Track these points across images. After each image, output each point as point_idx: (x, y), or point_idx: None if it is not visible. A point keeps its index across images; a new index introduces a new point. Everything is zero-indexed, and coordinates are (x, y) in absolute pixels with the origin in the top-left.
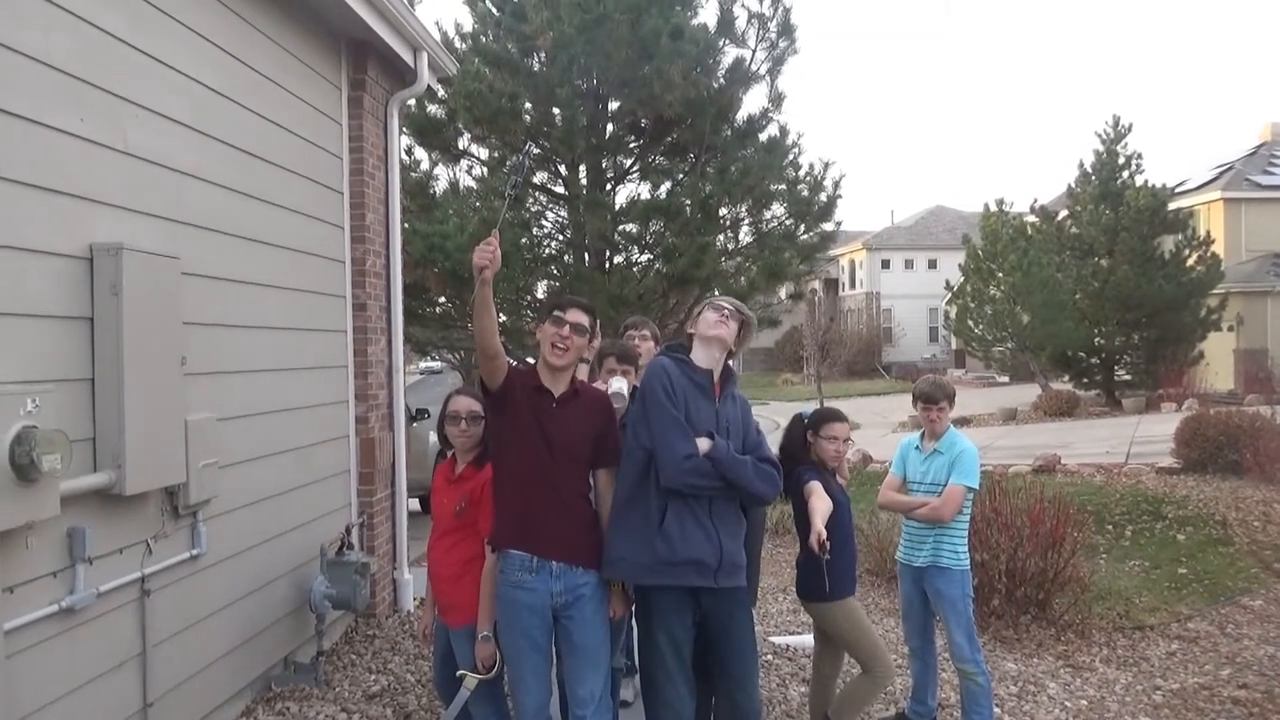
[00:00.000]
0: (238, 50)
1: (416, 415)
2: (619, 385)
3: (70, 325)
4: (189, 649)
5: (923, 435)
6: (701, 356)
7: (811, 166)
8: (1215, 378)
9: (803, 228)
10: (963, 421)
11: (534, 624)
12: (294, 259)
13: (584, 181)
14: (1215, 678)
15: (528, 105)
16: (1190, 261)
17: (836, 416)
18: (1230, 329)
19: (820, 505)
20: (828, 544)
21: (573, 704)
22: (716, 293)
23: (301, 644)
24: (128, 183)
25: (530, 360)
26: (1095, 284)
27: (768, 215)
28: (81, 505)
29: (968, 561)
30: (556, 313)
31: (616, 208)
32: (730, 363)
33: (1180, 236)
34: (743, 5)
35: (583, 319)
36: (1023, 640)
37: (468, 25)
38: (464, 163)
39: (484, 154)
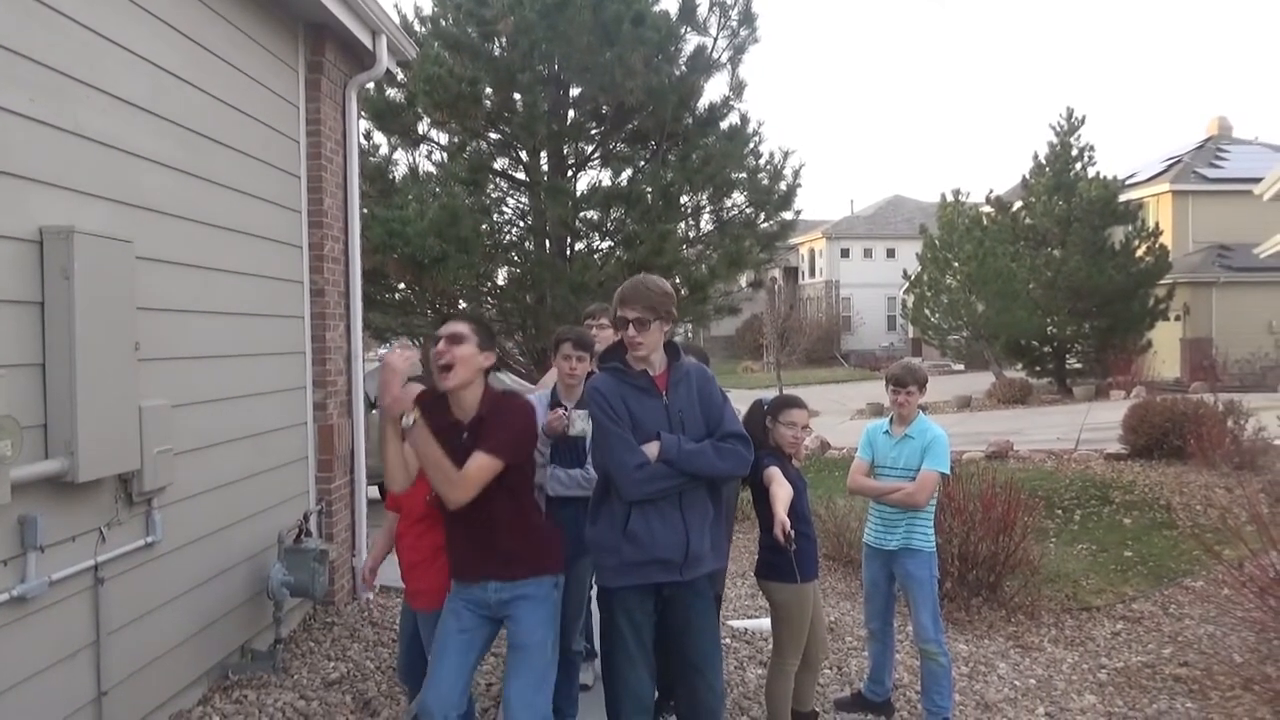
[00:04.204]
0: (193, 31)
1: (375, 402)
2: (582, 426)
3: (20, 310)
4: (144, 637)
5: (891, 420)
6: (633, 359)
7: (772, 155)
8: (1163, 366)
9: (763, 216)
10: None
11: (469, 612)
12: (250, 243)
13: (545, 168)
14: (1158, 656)
15: (488, 90)
16: (1139, 252)
17: (795, 403)
18: (1177, 318)
19: (781, 493)
20: (793, 533)
21: (504, 703)
22: (677, 280)
23: (259, 632)
24: (79, 165)
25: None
26: (1048, 274)
27: (728, 203)
28: (33, 493)
29: (934, 544)
30: (435, 334)
31: (578, 194)
32: (679, 340)
33: (1130, 228)
34: None
35: (459, 328)
36: (974, 622)
37: (427, 8)
38: (423, 148)
39: (444, 139)
